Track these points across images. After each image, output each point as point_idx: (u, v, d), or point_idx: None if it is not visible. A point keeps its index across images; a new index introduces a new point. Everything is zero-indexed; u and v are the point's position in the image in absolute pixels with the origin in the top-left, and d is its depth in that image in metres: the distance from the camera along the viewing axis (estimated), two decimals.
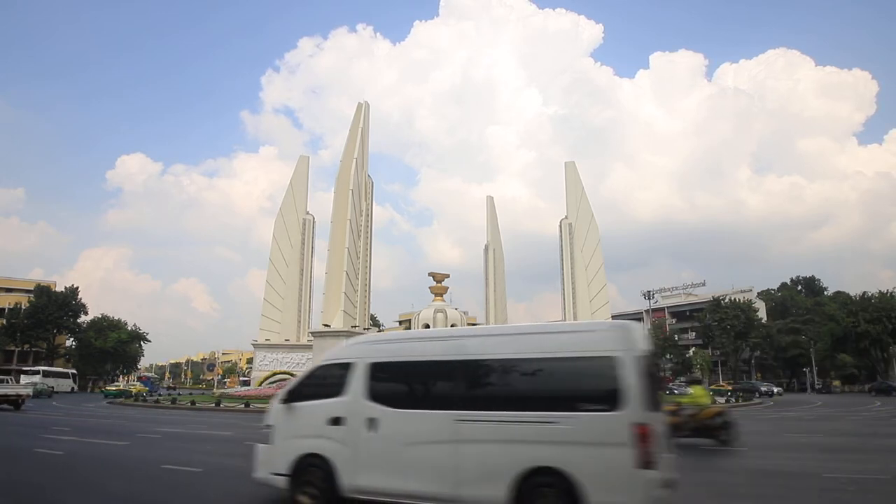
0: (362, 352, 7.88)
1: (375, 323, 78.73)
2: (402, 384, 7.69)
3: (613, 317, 59.99)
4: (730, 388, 60.02)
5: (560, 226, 57.28)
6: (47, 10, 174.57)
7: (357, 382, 7.52)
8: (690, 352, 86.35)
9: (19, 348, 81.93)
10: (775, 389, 56.64)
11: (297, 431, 7.73)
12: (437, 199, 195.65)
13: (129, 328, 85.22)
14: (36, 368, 65.08)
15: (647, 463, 5.97)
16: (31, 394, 35.15)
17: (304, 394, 8.00)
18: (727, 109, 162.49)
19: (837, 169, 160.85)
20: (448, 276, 52.45)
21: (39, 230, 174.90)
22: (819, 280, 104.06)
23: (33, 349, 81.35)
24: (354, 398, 7.47)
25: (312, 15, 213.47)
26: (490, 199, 58.04)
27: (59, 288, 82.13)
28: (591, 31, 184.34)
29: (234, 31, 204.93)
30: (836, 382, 76.65)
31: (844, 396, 56.81)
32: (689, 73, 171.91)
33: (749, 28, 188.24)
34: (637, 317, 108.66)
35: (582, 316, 54.16)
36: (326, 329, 37.72)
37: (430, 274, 52.38)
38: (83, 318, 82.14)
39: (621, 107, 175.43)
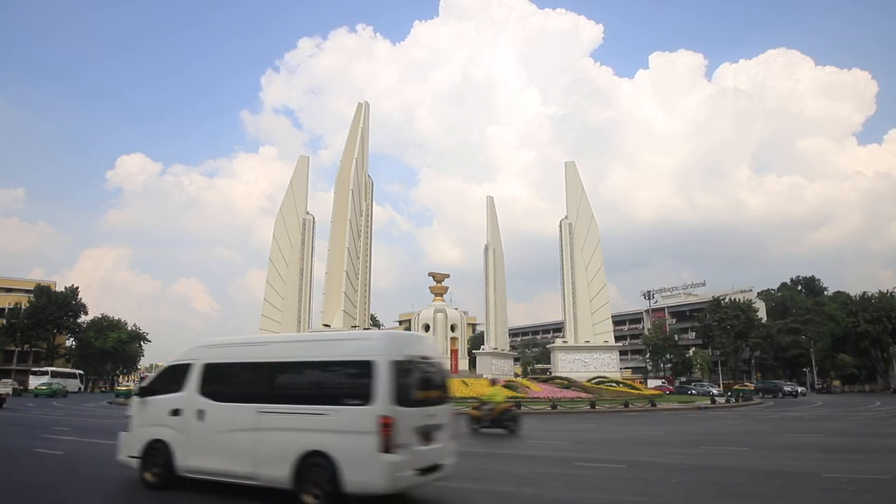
0: (199, 354, 9.35)
1: (375, 323, 78.69)
2: (224, 382, 8.97)
3: (613, 317, 60.01)
4: (752, 387, 59.59)
5: (560, 226, 57.23)
6: (47, 10, 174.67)
7: (193, 380, 8.99)
8: (690, 352, 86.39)
9: (19, 348, 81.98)
10: (799, 389, 55.13)
11: (147, 421, 9.27)
12: (437, 199, 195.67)
13: (129, 328, 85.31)
14: (45, 369, 65.34)
15: (387, 448, 7.13)
16: (10, 393, 36.38)
17: (155, 389, 9.58)
18: (727, 109, 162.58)
19: (837, 169, 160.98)
20: (448, 276, 52.33)
21: (39, 230, 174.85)
22: (819, 280, 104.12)
23: (33, 349, 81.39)
24: (190, 393, 8.94)
25: (312, 15, 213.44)
26: (490, 199, 57.99)
27: (59, 288, 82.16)
28: (591, 31, 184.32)
29: (234, 31, 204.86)
30: (837, 382, 76.66)
31: (844, 396, 56.79)
32: (688, 73, 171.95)
33: (749, 28, 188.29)
34: (637, 317, 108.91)
35: (582, 315, 54.15)
36: (326, 329, 37.73)
37: (430, 274, 52.24)
38: (83, 318, 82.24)
39: (621, 107, 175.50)
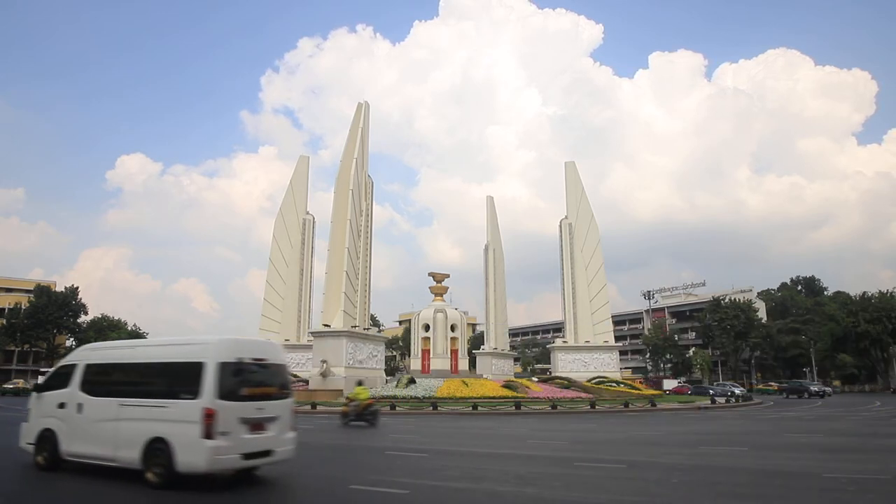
0: (83, 356, 11.03)
1: (375, 323, 78.58)
2: (99, 379, 10.41)
3: (613, 317, 59.93)
4: (777, 387, 58.79)
5: (560, 226, 57.18)
6: (47, 10, 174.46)
7: (76, 378, 10.49)
8: (690, 352, 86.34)
9: (19, 348, 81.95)
10: (827, 389, 53.30)
11: (41, 413, 10.79)
12: (437, 199, 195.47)
13: (129, 328, 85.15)
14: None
15: (209, 434, 8.58)
16: None
17: (50, 385, 11.08)
18: (727, 109, 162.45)
19: (837, 169, 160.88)
20: (448, 276, 52.26)
21: (39, 230, 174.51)
22: (819, 280, 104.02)
23: (33, 349, 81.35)
24: (73, 389, 10.43)
25: (312, 15, 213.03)
26: (490, 199, 57.94)
27: (59, 288, 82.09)
28: (590, 31, 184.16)
29: (234, 31, 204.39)
30: (837, 382, 76.67)
31: (844, 396, 56.75)
32: (688, 73, 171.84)
33: (749, 28, 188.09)
34: (637, 317, 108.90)
35: (582, 315, 54.12)
36: (326, 329, 37.68)
37: (430, 274, 52.18)
38: (83, 318, 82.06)
39: (621, 107, 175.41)
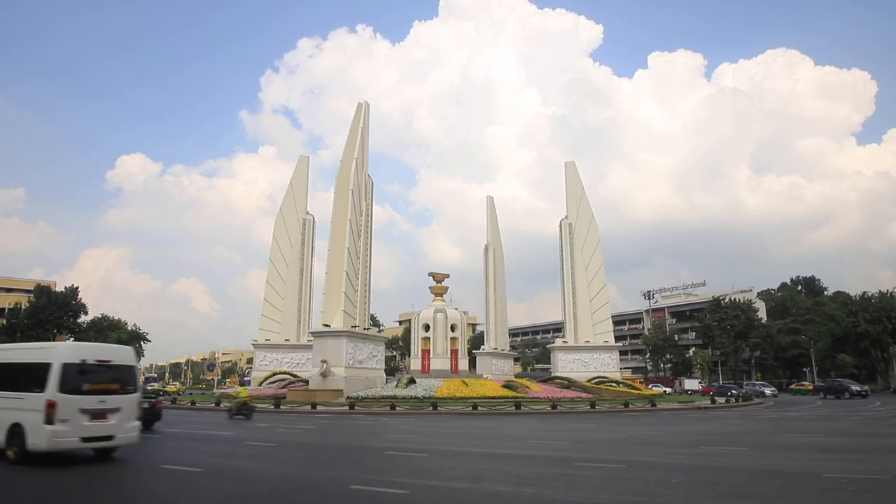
0: None
1: (375, 323, 78.55)
2: None
3: (613, 317, 59.87)
4: (812, 387, 58.35)
5: (560, 226, 57.14)
6: (47, 10, 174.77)
7: None
8: (690, 352, 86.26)
9: None
10: (867, 388, 52.04)
11: None
12: (437, 199, 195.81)
13: (129, 328, 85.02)
14: None
15: (50, 421, 10.62)
16: None
17: None
18: (726, 109, 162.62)
19: (837, 169, 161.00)
20: (448, 276, 52.23)
21: (39, 230, 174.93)
22: (819, 280, 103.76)
23: None
24: None
25: (312, 15, 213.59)
26: (490, 199, 57.88)
27: (59, 288, 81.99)
28: (590, 32, 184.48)
29: (234, 31, 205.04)
30: None
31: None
32: (688, 74, 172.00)
33: (749, 28, 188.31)
34: (637, 317, 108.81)
35: (582, 315, 54.11)
36: (326, 329, 37.66)
37: (430, 274, 52.15)
38: (83, 318, 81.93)
39: (620, 107, 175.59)
